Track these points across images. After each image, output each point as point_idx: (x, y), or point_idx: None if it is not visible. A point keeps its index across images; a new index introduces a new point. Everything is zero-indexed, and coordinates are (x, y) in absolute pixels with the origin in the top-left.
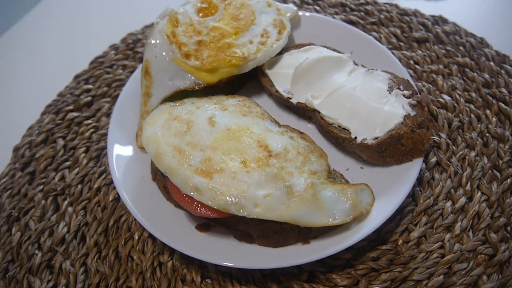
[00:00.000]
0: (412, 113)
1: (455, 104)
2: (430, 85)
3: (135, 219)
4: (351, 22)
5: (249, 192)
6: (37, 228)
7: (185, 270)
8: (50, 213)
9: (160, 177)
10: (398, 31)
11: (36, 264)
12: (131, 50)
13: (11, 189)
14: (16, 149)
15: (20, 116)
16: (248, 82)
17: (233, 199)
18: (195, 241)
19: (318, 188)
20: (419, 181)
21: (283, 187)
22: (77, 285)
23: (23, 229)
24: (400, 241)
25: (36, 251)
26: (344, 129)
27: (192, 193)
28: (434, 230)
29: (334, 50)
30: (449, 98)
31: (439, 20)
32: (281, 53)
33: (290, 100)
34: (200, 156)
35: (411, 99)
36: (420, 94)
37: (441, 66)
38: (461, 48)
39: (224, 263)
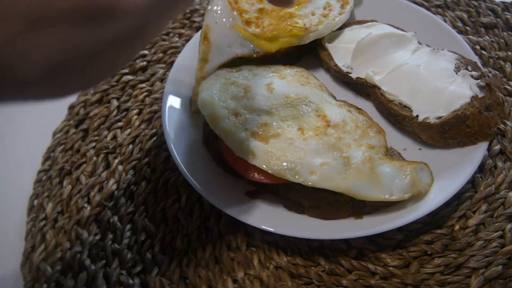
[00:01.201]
0: (480, 95)
1: None
2: (497, 72)
3: (183, 182)
4: (414, 3)
5: (306, 159)
6: (88, 183)
7: (231, 236)
8: (101, 170)
9: (212, 141)
10: (465, 15)
11: (85, 216)
12: (187, 19)
13: (65, 144)
14: (72, 107)
15: None
16: (306, 55)
17: (289, 164)
18: (243, 206)
19: (376, 162)
20: (481, 168)
21: (340, 158)
22: (123, 240)
23: (74, 183)
24: (457, 227)
25: (86, 205)
26: (405, 106)
27: (246, 156)
28: (494, 219)
29: (397, 28)
30: None
31: (510, 7)
32: (342, 28)
33: (349, 75)
34: (257, 120)
35: (479, 80)
36: (488, 76)
37: (509, 53)
38: None
39: (271, 229)
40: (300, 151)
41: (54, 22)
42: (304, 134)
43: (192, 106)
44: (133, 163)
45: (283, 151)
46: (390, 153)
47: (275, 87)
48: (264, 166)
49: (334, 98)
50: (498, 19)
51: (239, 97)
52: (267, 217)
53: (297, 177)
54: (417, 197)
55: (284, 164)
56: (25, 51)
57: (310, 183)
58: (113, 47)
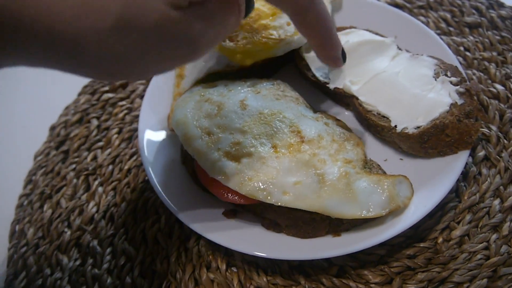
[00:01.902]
0: (460, 102)
1: (509, 95)
2: (482, 74)
3: (162, 202)
4: (397, 6)
5: (278, 179)
6: (68, 206)
7: (210, 256)
8: (81, 192)
9: (189, 161)
10: (448, 16)
11: (65, 241)
12: None
13: (46, 167)
14: (52, 128)
15: (59, 96)
16: (284, 65)
17: (261, 185)
18: (222, 227)
19: (352, 178)
20: (464, 176)
21: (314, 175)
22: (103, 265)
23: (54, 207)
24: (440, 239)
25: (66, 229)
26: (384, 117)
27: (219, 177)
28: (479, 229)
29: (377, 34)
30: (502, 88)
31: (495, 4)
32: None
33: (327, 86)
34: (229, 139)
35: (459, 86)
36: (469, 81)
37: (494, 53)
38: None
39: (252, 253)
40: (273, 170)
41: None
42: (277, 152)
43: (170, 123)
44: (113, 184)
45: (255, 171)
46: (369, 166)
47: (248, 103)
48: (237, 187)
49: (312, 110)
50: (483, 18)
51: (213, 115)
52: (246, 238)
53: (269, 197)
54: (396, 211)
55: (256, 184)
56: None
57: (283, 204)
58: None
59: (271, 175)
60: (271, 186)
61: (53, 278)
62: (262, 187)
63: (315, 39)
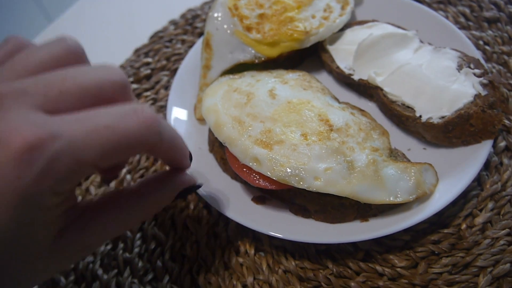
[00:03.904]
0: (484, 93)
1: None
2: (501, 67)
3: None
4: (416, 0)
5: (310, 165)
6: (97, 193)
7: (239, 242)
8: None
9: (217, 148)
10: (467, 10)
11: None
12: (190, 25)
13: None
14: None
15: None
16: (308, 58)
17: (293, 170)
18: (250, 213)
19: (380, 165)
20: (486, 165)
21: (344, 162)
22: (134, 249)
23: (83, 194)
24: (464, 226)
25: None
26: (408, 107)
27: (251, 163)
28: (501, 216)
29: (399, 27)
30: None
31: None
32: (343, 29)
33: (352, 77)
34: (260, 127)
35: (482, 78)
36: (491, 73)
37: None
38: None
39: (279, 235)
40: (304, 156)
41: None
42: (307, 139)
43: (196, 113)
44: (141, 171)
45: (287, 157)
46: (394, 154)
47: (277, 93)
48: (269, 173)
49: (337, 100)
50: (501, 13)
51: (242, 104)
52: (274, 223)
53: (301, 183)
54: (422, 198)
55: (289, 170)
56: None
57: (314, 189)
58: None
59: (302, 161)
60: (302, 172)
61: (85, 262)
62: (294, 172)
63: (172, 161)
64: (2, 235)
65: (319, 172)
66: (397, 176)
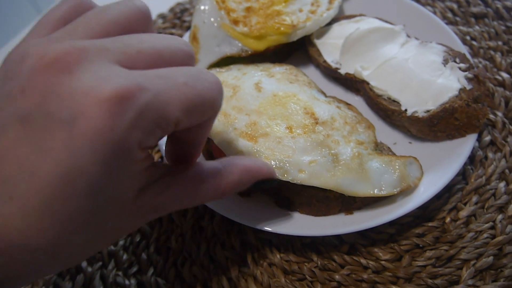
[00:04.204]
0: (468, 87)
1: None
2: (488, 62)
3: None
4: None
5: (294, 157)
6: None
7: (224, 235)
8: None
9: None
10: (455, 6)
11: None
12: (178, 19)
13: None
14: None
15: None
16: (295, 52)
17: (277, 163)
18: (235, 206)
19: (365, 158)
20: (471, 159)
21: (329, 155)
22: (119, 242)
23: None
24: (448, 219)
25: None
26: (394, 101)
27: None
28: (485, 210)
29: (386, 22)
30: (508, 75)
31: None
32: (330, 23)
33: (338, 71)
34: (245, 119)
35: (467, 72)
36: (477, 68)
37: (500, 43)
38: None
39: (264, 228)
40: (289, 149)
41: None
42: (292, 132)
43: None
44: None
45: (271, 150)
46: (380, 148)
47: (263, 86)
48: None
49: (324, 94)
50: (489, 8)
51: (228, 97)
52: (260, 216)
53: (286, 175)
54: (407, 191)
55: (273, 163)
56: None
57: (299, 181)
58: None
59: (287, 154)
60: (287, 165)
61: None
62: (279, 165)
63: (201, 140)
64: (90, 186)
65: (303, 165)
66: (381, 169)
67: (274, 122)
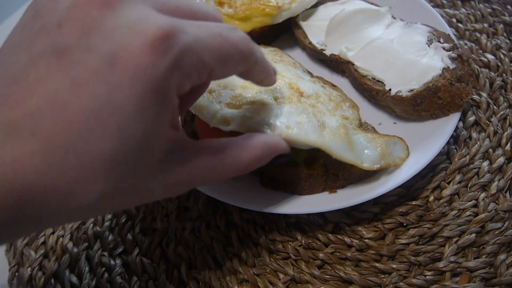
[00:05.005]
0: (452, 66)
1: (499, 64)
2: (473, 44)
3: None
4: None
5: (281, 117)
6: None
7: (210, 215)
8: None
9: (189, 123)
10: None
11: None
12: None
13: None
14: None
15: None
16: (281, 35)
17: (264, 120)
18: (220, 186)
19: (350, 131)
20: (455, 139)
21: (315, 120)
22: (105, 223)
23: None
24: (431, 198)
25: None
26: (379, 81)
27: (220, 125)
28: (468, 188)
29: (372, 3)
30: (493, 57)
31: None
32: (316, 5)
33: (324, 52)
34: (230, 93)
35: (451, 52)
36: (461, 48)
37: (485, 25)
38: (508, 7)
39: (249, 207)
40: (275, 112)
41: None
42: (277, 101)
43: None
44: None
45: (257, 113)
46: (364, 128)
47: None
48: (238, 128)
49: (310, 74)
50: None
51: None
52: (244, 195)
53: (273, 129)
54: (390, 169)
55: (259, 119)
56: None
57: (286, 136)
58: None
59: (274, 115)
60: (275, 121)
61: (55, 236)
62: (265, 122)
63: (262, 79)
64: (121, 128)
65: (291, 123)
66: (364, 145)
67: (259, 94)
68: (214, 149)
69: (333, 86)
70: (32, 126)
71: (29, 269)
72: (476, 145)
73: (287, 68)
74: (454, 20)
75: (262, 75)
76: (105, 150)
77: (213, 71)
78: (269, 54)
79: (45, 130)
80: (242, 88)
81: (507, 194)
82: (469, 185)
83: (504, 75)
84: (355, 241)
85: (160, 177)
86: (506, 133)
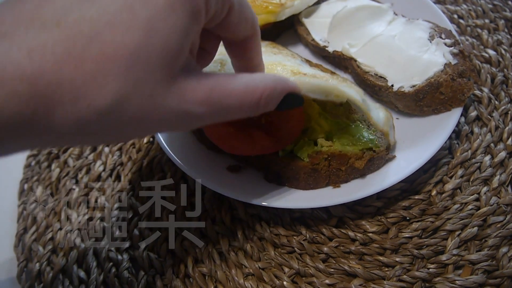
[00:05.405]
0: (454, 62)
1: (500, 59)
2: (474, 40)
3: (167, 161)
4: None
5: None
6: (75, 165)
7: (215, 211)
8: (88, 152)
9: None
10: None
11: (73, 198)
12: None
13: None
14: None
15: None
16: (284, 32)
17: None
18: (226, 181)
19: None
20: (457, 134)
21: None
22: (112, 218)
23: (62, 166)
24: (434, 192)
25: (74, 186)
26: (381, 77)
27: None
28: (470, 183)
29: (374, 0)
30: (494, 52)
31: None
32: (319, 2)
33: (326, 49)
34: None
35: (453, 47)
36: (462, 44)
37: (486, 21)
38: (509, 2)
39: (254, 202)
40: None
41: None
42: None
43: None
44: (119, 144)
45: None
46: None
47: None
48: None
49: (309, 63)
50: None
51: (216, 71)
52: (249, 191)
53: (285, 73)
54: (393, 164)
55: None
56: None
57: (301, 79)
58: None
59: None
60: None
61: (63, 231)
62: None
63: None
64: (149, 19)
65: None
66: (374, 105)
67: None
68: (228, 75)
69: (332, 72)
70: (58, 18)
71: (37, 264)
72: (478, 139)
73: (287, 58)
74: (455, 16)
75: (260, 55)
76: (130, 42)
77: (232, 8)
78: (267, 46)
79: (71, 20)
80: None
81: (509, 188)
82: (471, 179)
83: (505, 70)
84: (359, 235)
85: (178, 93)
86: (507, 128)
